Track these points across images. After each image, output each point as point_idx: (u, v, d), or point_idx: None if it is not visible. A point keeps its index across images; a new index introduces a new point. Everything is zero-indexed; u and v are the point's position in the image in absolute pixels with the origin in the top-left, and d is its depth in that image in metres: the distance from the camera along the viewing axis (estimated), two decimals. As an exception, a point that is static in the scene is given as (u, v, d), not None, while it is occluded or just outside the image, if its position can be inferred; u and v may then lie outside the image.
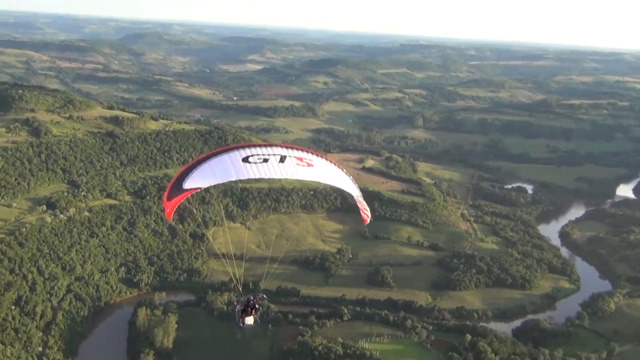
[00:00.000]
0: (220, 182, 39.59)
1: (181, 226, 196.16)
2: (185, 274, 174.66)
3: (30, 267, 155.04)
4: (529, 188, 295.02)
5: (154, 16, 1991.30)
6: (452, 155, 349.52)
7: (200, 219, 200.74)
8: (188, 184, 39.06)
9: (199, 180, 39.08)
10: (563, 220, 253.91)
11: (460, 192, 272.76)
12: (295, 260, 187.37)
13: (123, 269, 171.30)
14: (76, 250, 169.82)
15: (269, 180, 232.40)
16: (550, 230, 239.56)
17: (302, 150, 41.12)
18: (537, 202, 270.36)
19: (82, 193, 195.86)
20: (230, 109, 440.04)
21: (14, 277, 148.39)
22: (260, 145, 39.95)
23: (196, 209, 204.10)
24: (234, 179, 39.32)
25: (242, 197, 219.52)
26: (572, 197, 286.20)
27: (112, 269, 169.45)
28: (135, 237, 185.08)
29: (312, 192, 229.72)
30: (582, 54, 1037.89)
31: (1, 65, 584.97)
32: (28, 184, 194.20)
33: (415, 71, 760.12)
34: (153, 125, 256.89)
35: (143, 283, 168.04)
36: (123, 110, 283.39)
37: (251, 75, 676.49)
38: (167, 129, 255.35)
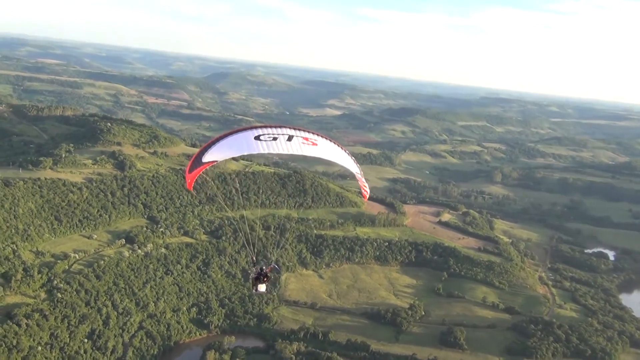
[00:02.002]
0: (235, 155, 44.07)
1: (254, 269, 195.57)
2: (256, 319, 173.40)
3: (105, 300, 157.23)
4: (611, 254, 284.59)
5: (239, 57, 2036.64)
6: (531, 214, 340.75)
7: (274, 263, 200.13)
8: (206, 157, 43.47)
9: (216, 154, 43.39)
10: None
11: (538, 254, 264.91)
12: (366, 312, 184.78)
13: (195, 309, 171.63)
14: (150, 286, 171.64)
15: (343, 229, 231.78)
16: (633, 301, 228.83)
17: (308, 132, 44.52)
18: (619, 270, 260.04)
19: (161, 229, 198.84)
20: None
21: (89, 310, 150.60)
22: (270, 126, 43.86)
23: (270, 252, 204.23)
24: (246, 153, 43.84)
25: (316, 244, 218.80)
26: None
27: (184, 308, 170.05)
28: (208, 277, 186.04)
29: (386, 244, 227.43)
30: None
31: (91, 97, 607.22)
32: (109, 217, 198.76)
33: (494, 125, 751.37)
34: (234, 166, 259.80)
35: (213, 325, 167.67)
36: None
37: (330, 120, 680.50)
38: (246, 170, 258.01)
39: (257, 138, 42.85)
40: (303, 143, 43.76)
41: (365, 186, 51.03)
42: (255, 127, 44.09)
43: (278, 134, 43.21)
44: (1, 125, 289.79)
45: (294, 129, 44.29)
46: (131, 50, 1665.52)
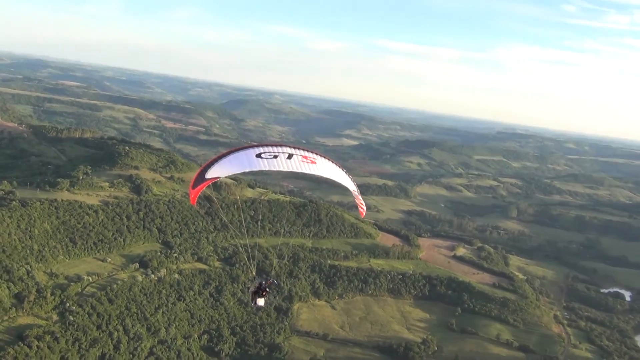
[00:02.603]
0: (237, 171, 44.82)
1: (266, 298, 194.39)
2: (267, 349, 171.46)
3: (116, 325, 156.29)
4: (627, 294, 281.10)
5: (257, 84, 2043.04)
6: (546, 251, 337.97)
7: (286, 292, 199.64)
8: (210, 174, 45.06)
9: (219, 170, 44.99)
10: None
11: (554, 292, 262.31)
12: (378, 346, 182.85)
13: (206, 336, 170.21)
14: (162, 312, 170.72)
15: (357, 260, 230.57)
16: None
17: (307, 151, 46.36)
18: (635, 311, 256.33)
19: (175, 254, 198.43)
20: (323, 183, 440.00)
21: (100, 334, 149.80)
22: (271, 145, 45.42)
23: (283, 282, 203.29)
24: (247, 170, 44.36)
25: (329, 275, 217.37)
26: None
27: (195, 335, 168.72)
28: (220, 304, 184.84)
29: (400, 277, 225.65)
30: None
31: (110, 120, 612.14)
32: (124, 240, 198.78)
33: (511, 160, 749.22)
34: (249, 193, 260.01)
35: (224, 353, 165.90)
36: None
37: (346, 150, 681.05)
38: (262, 197, 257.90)
39: (259, 156, 44.37)
40: (302, 161, 45.38)
41: (362, 203, 52.42)
42: (257, 146, 45.61)
43: (278, 152, 44.82)
44: (21, 146, 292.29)
45: (294, 147, 45.97)
46: (151, 75, 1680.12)
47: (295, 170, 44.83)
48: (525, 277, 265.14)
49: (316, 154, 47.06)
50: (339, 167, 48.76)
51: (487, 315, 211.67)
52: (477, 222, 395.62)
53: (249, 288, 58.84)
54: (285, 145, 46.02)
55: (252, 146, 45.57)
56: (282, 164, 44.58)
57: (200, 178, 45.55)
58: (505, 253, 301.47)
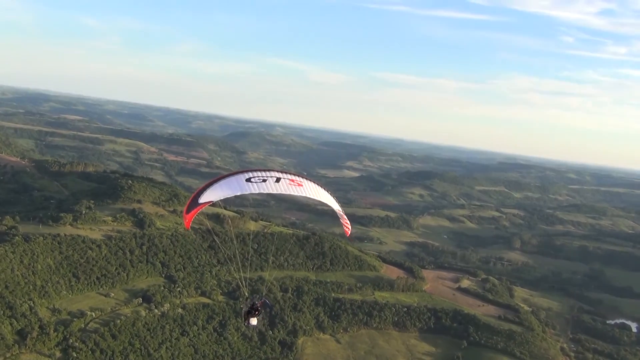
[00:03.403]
0: (228, 195, 47.19)
1: (271, 332, 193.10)
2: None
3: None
4: (633, 325, 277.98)
5: (258, 116, 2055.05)
6: (551, 282, 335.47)
7: (290, 326, 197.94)
8: (203, 198, 47.44)
9: (211, 195, 47.44)
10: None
11: (559, 324, 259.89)
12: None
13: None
14: (166, 347, 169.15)
15: (361, 293, 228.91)
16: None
17: (293, 174, 49.11)
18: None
19: (178, 289, 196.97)
20: (325, 214, 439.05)
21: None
22: (259, 170, 48.23)
23: (287, 315, 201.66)
24: (238, 194, 47.15)
25: (334, 308, 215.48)
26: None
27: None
28: (225, 339, 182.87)
29: (405, 309, 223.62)
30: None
31: (112, 154, 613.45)
32: (127, 275, 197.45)
33: (513, 190, 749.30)
34: (252, 226, 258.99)
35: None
36: (225, 208, 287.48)
37: (348, 182, 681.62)
38: (265, 230, 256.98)
39: (248, 180, 47.07)
40: (289, 184, 47.98)
41: (347, 223, 55.02)
42: (246, 171, 48.36)
43: (267, 177, 47.48)
44: (23, 180, 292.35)
45: (281, 172, 48.68)
46: (153, 108, 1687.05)
47: (282, 192, 47.60)
48: (531, 309, 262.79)
49: (302, 177, 49.60)
50: (324, 189, 51.33)
51: (494, 348, 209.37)
52: (481, 254, 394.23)
53: (242, 308, 59.74)
54: (273, 170, 48.62)
55: (242, 171, 48.33)
56: (271, 187, 47.18)
57: (194, 203, 47.77)
58: (509, 284, 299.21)
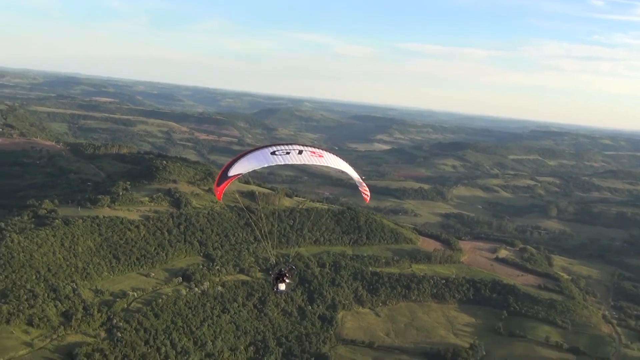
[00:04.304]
0: (255, 167, 51.00)
1: (310, 307, 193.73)
2: (313, 359, 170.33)
3: (164, 339, 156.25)
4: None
5: (286, 92, 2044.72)
6: (589, 250, 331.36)
7: (329, 301, 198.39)
8: (232, 172, 51.11)
9: (239, 168, 51.05)
10: None
11: (600, 291, 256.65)
12: (426, 352, 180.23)
13: (252, 348, 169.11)
14: (208, 325, 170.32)
15: (398, 266, 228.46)
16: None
17: (314, 147, 53.00)
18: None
19: (217, 267, 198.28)
20: (358, 189, 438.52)
21: (148, 349, 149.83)
22: (283, 144, 52.18)
23: (326, 291, 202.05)
24: (265, 166, 50.77)
25: (372, 282, 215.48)
26: None
27: (242, 347, 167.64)
28: (265, 315, 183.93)
29: (443, 281, 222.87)
30: None
31: (144, 134, 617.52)
32: (166, 255, 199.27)
33: (547, 158, 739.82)
34: (287, 202, 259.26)
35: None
36: (259, 185, 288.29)
37: (379, 155, 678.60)
38: (300, 206, 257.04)
39: (273, 153, 50.63)
40: (311, 155, 51.54)
41: (366, 190, 58.26)
42: (271, 145, 52.31)
43: (290, 149, 51.11)
44: (59, 164, 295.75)
45: (303, 145, 52.63)
46: (181, 88, 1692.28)
47: (305, 162, 50.97)
48: (571, 277, 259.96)
49: (322, 149, 53.54)
50: (342, 159, 54.75)
51: (535, 318, 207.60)
52: (517, 223, 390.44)
53: (270, 275, 63.99)
54: (296, 144, 52.46)
55: (267, 146, 52.19)
56: (294, 159, 50.67)
57: (224, 176, 51.66)
58: (548, 253, 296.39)
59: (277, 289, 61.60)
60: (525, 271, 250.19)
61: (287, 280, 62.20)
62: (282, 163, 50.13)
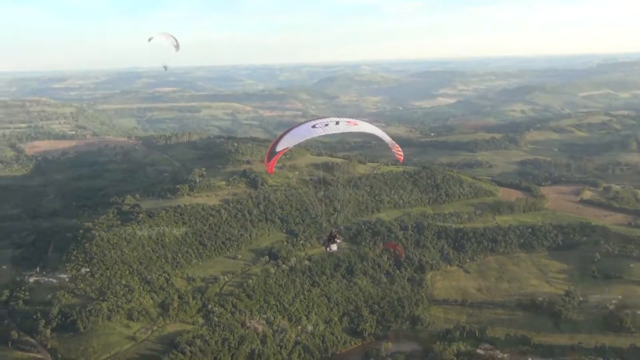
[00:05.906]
0: (299, 141, 58.67)
1: (398, 272, 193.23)
2: (408, 322, 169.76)
3: (259, 319, 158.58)
4: None
5: (342, 59, 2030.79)
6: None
7: (416, 263, 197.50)
8: (279, 147, 57.87)
9: (285, 143, 57.59)
10: None
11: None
12: (520, 304, 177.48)
13: (346, 318, 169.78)
14: (300, 300, 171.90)
15: (482, 220, 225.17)
16: None
17: (349, 118, 59.74)
18: None
19: (301, 242, 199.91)
20: (429, 146, 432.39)
21: (245, 331, 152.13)
22: (321, 118, 58.77)
23: (412, 252, 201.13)
24: (308, 138, 57.85)
25: (456, 239, 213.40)
26: None
27: (336, 318, 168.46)
28: (354, 284, 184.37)
29: (529, 230, 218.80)
30: None
31: (210, 119, 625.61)
32: (250, 235, 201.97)
33: (618, 91, 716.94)
34: (361, 169, 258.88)
35: (366, 332, 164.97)
36: (331, 155, 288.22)
37: (444, 110, 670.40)
38: (375, 172, 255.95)
39: (314, 126, 56.93)
40: (347, 124, 57.99)
41: (399, 151, 65.38)
42: (310, 120, 58.99)
43: (328, 122, 57.15)
44: (135, 158, 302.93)
45: (339, 117, 58.85)
46: (239, 68, 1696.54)
47: (343, 131, 57.39)
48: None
49: (357, 119, 60.69)
50: (376, 126, 63.09)
51: (629, 257, 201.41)
52: (596, 162, 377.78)
53: (322, 237, 67.66)
54: (332, 117, 58.71)
55: (308, 121, 59.11)
56: (333, 129, 56.67)
57: (272, 152, 58.37)
58: (634, 189, 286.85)
59: (330, 249, 72.72)
60: (613, 210, 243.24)
61: (338, 241, 72.81)
62: (323, 134, 56.97)
